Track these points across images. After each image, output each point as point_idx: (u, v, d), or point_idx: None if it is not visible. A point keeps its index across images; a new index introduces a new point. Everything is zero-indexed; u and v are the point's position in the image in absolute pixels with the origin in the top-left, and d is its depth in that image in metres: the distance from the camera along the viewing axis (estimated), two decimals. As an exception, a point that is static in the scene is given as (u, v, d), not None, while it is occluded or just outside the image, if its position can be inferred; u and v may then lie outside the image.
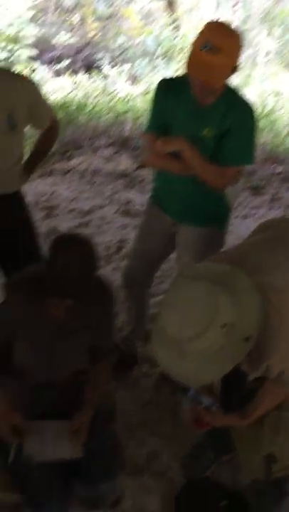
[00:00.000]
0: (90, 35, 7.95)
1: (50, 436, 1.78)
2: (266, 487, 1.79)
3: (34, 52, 6.84)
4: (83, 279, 1.60)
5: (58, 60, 7.37)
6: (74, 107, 6.13)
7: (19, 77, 2.14)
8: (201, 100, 1.92)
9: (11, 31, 6.65)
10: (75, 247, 1.62)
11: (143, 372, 2.54)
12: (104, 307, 1.89)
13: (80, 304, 1.80)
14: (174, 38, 7.69)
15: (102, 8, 7.99)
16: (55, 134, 2.32)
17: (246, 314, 1.29)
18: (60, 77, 7.14)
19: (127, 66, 7.36)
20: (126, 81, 7.18)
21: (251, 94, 5.81)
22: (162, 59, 7.54)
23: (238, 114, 1.95)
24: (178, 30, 7.89)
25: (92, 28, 7.97)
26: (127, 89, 6.78)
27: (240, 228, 4.05)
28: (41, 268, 1.75)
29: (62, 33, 7.72)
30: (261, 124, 5.14)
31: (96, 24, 7.98)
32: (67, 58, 7.42)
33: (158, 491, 1.91)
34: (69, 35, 7.75)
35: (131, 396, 2.36)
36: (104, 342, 1.97)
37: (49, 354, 1.85)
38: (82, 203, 4.45)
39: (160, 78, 2.09)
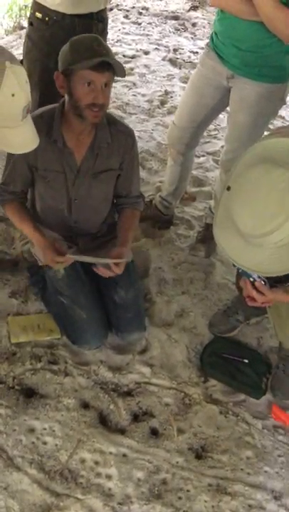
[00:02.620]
0: None
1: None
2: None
3: None
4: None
5: None
6: None
7: None
8: None
9: None
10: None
11: (179, 233, 2.53)
12: (127, 150, 1.83)
13: (101, 147, 1.77)
14: None
15: None
16: None
17: None
18: None
19: None
20: None
21: None
22: None
23: None
24: None
25: None
26: None
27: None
28: (54, 106, 1.72)
29: None
30: None
31: None
32: None
33: (184, 343, 2.01)
34: None
35: (165, 255, 2.38)
36: (129, 186, 1.93)
37: (69, 197, 1.84)
38: (125, 47, 4.06)
39: None
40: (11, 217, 1.91)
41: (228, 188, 1.34)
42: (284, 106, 2.18)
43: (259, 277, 1.50)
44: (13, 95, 1.29)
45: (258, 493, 1.60)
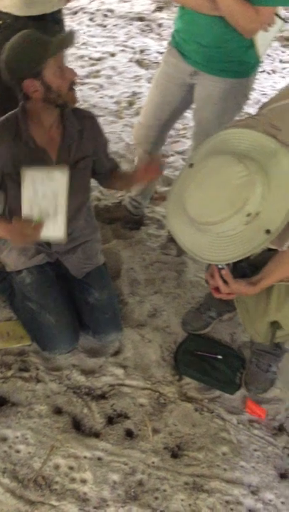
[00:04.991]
0: None
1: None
2: (267, 347, 1.85)
3: None
4: None
5: None
6: None
7: None
8: None
9: None
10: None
11: (149, 233, 2.52)
12: (96, 134, 1.84)
13: (73, 136, 1.76)
14: None
15: None
16: None
17: (275, 208, 1.24)
18: None
19: None
20: None
21: None
22: None
23: None
24: None
25: None
26: None
27: (265, 84, 3.72)
28: (15, 111, 1.69)
29: None
30: None
31: None
32: None
33: (157, 342, 2.00)
34: None
35: (136, 256, 2.37)
36: (105, 163, 1.93)
37: None
38: (92, 49, 4.04)
39: None
40: None
41: (191, 165, 1.34)
42: (251, 103, 2.19)
43: (227, 265, 1.52)
44: None
45: (234, 489, 1.60)
